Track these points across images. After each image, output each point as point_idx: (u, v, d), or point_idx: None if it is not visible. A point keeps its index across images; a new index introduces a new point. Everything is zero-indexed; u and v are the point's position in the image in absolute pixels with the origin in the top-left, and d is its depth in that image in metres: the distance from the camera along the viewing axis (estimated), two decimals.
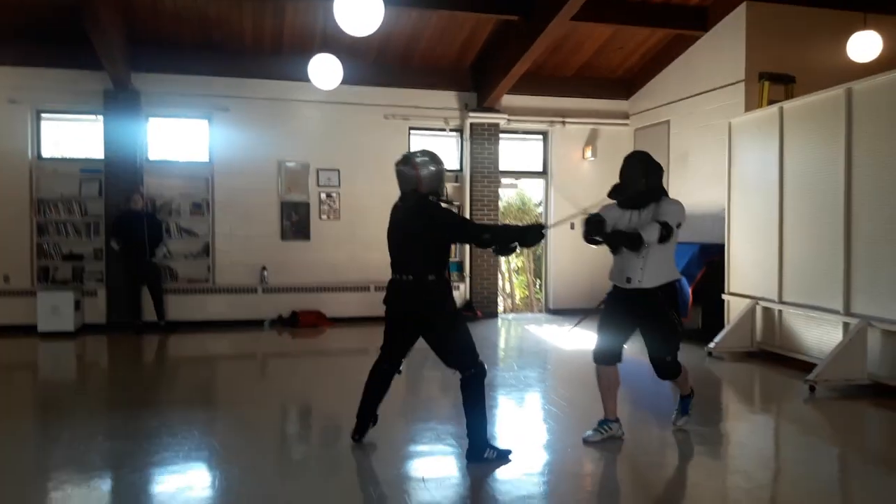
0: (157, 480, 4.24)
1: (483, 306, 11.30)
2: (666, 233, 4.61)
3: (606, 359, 4.92)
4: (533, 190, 12.97)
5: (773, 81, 8.92)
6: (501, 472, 4.27)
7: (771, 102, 8.51)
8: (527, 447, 4.83)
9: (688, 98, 10.31)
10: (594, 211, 4.95)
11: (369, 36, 9.77)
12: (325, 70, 8.54)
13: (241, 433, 5.22)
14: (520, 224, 4.64)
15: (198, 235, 10.49)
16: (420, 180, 4.29)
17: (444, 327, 4.37)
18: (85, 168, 10.05)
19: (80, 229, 10.07)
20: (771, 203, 7.83)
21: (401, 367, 4.68)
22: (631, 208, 4.84)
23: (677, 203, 4.85)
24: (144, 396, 6.51)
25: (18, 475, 4.30)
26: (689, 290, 8.93)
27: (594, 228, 4.72)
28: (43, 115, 10.04)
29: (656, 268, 4.77)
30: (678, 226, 4.71)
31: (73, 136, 10.38)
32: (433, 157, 4.39)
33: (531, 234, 4.44)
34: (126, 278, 9.75)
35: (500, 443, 4.66)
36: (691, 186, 10.10)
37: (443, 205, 4.41)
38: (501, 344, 9.71)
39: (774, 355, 7.86)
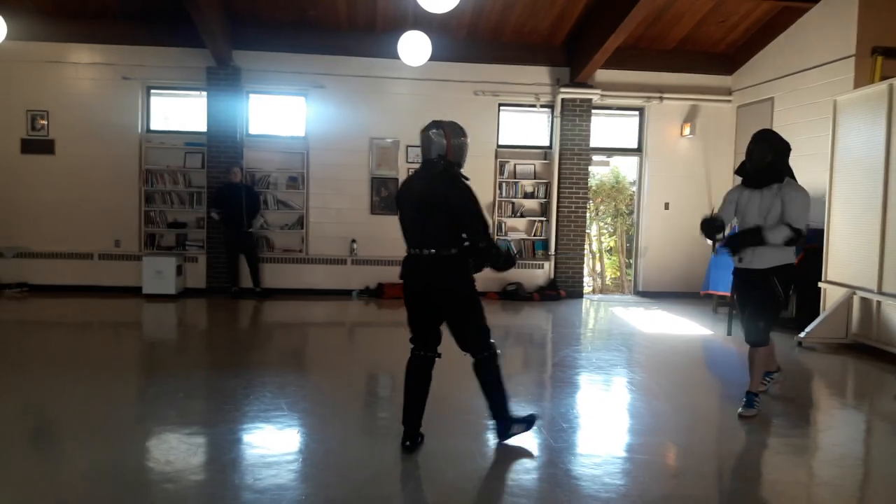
0: (240, 437, 4.51)
1: (567, 286, 11.18)
2: (795, 237, 4.72)
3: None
4: (628, 168, 12.61)
5: (887, 56, 8.23)
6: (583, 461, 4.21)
7: (885, 79, 7.89)
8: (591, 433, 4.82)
9: (794, 74, 9.72)
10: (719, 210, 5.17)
11: (460, 12, 9.90)
12: (414, 47, 8.63)
13: (325, 397, 5.48)
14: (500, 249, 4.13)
15: (293, 208, 10.92)
16: (450, 148, 4.12)
17: (464, 305, 4.16)
18: (189, 141, 10.65)
19: (185, 199, 10.71)
20: (875, 187, 7.31)
21: (439, 352, 4.31)
22: (754, 187, 4.93)
23: (802, 192, 4.83)
24: (238, 358, 6.93)
25: (116, 423, 4.67)
26: None
27: (710, 230, 5.00)
28: (152, 90, 10.70)
29: (769, 249, 4.83)
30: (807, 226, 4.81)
31: (180, 111, 10.99)
32: (462, 130, 4.24)
33: (503, 261, 4.12)
34: (225, 247, 10.33)
35: (527, 411, 4.71)
36: (793, 167, 9.52)
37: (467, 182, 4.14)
38: (579, 325, 9.59)
39: (870, 348, 7.39)
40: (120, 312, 9.36)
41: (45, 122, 10.35)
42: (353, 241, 10.90)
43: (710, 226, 5.03)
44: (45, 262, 10.40)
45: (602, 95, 11.08)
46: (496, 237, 10.96)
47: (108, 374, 6.07)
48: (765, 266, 4.90)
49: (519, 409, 4.75)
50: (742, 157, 5.14)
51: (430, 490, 3.81)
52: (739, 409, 5.08)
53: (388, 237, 10.88)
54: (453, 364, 4.54)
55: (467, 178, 4.14)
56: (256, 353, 7.48)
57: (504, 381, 4.30)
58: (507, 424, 4.33)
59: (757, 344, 5.07)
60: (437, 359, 4.27)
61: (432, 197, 4.05)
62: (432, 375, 4.27)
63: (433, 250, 4.05)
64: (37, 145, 10.34)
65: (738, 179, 5.23)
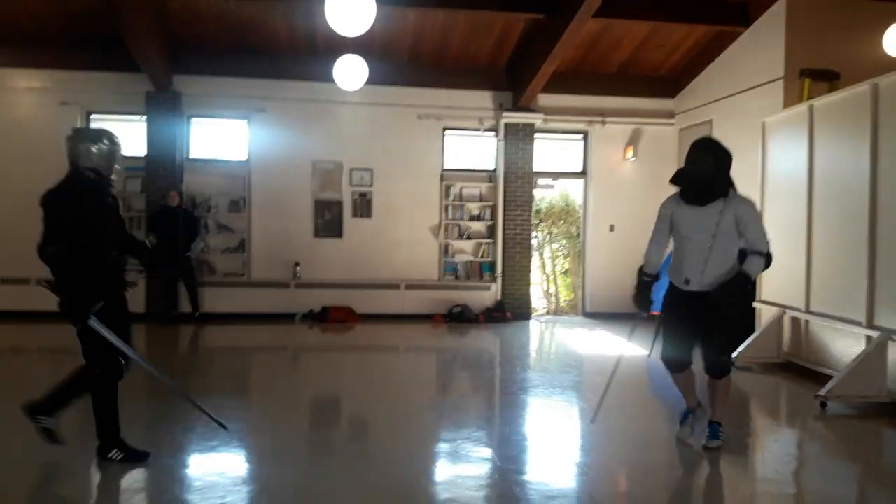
0: (184, 465, 4.44)
1: (514, 307, 11.18)
2: (768, 261, 4.50)
3: (679, 367, 4.72)
4: (573, 190, 12.73)
5: (815, 78, 8.37)
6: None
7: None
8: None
9: (729, 96, 9.89)
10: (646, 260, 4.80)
11: (401, 35, 9.99)
12: (351, 71, 8.65)
13: (268, 422, 5.43)
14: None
15: (235, 231, 10.82)
16: (77, 154, 4.19)
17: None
18: (129, 166, 10.48)
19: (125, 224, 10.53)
20: (800, 207, 7.42)
21: None
22: (696, 203, 4.44)
23: (753, 207, 4.51)
24: (177, 383, 6.77)
25: (52, 455, 4.46)
26: None
27: (645, 300, 4.78)
28: (92, 115, 10.58)
29: (719, 267, 4.42)
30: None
31: (120, 134, 10.82)
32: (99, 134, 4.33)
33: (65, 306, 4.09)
34: (162, 271, 10.16)
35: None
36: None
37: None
38: (520, 346, 9.58)
39: (800, 368, 7.44)
40: (56, 338, 9.13)
41: None
42: (297, 264, 10.81)
43: (645, 294, 4.75)
44: None
45: (545, 119, 11.18)
46: None
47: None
48: (714, 286, 4.41)
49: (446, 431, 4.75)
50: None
51: None
52: (703, 441, 4.69)
53: (332, 260, 10.89)
54: None
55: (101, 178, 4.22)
56: (202, 378, 7.36)
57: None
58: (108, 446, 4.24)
59: (721, 375, 4.62)
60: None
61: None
62: None
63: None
64: None
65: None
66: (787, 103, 8.46)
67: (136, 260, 4.65)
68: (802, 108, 7.53)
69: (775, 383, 7.27)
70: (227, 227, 10.81)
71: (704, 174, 4.37)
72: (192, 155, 10.78)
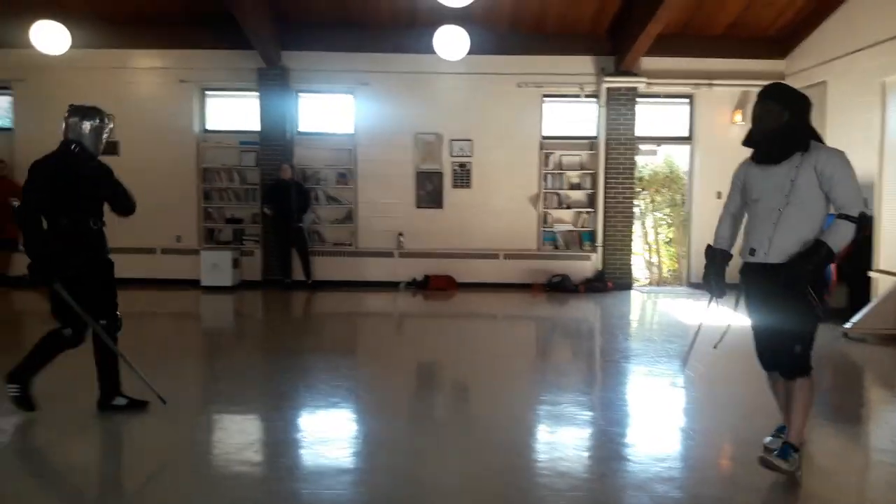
0: (298, 418, 4.78)
1: (615, 277, 11.10)
2: (861, 224, 3.56)
3: (765, 363, 3.89)
4: (679, 156, 12.38)
5: None
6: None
7: None
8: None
9: (846, 55, 9.35)
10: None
11: (500, 4, 10.00)
12: (451, 41, 8.77)
13: (375, 382, 5.74)
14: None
15: (343, 203, 11.24)
16: (67, 128, 4.45)
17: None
18: (243, 140, 11.11)
19: (240, 196, 11.18)
20: None
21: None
22: (766, 162, 3.70)
23: (843, 161, 3.58)
24: (291, 345, 7.28)
25: (182, 406, 4.90)
26: (833, 268, 8.23)
27: (714, 273, 3.99)
28: (207, 92, 11.19)
29: (792, 235, 3.61)
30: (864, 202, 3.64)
31: (234, 111, 11.43)
32: (74, 111, 4.51)
33: (35, 272, 4.24)
34: (277, 241, 10.73)
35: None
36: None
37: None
38: (620, 316, 9.54)
39: None
40: (180, 303, 9.89)
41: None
42: (401, 234, 11.13)
43: (714, 274, 4.00)
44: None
45: (648, 83, 10.93)
46: None
47: (173, 361, 6.46)
48: (783, 258, 3.63)
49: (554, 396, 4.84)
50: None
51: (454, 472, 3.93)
52: (770, 457, 3.70)
53: (434, 230, 11.13)
54: None
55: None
56: (313, 340, 7.83)
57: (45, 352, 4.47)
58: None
59: (793, 373, 3.71)
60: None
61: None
62: None
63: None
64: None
65: None
66: None
67: (120, 213, 4.88)
68: None
69: (892, 355, 6.98)
70: (336, 198, 11.25)
71: (771, 126, 3.66)
72: (302, 129, 11.22)
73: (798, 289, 3.57)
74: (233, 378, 5.75)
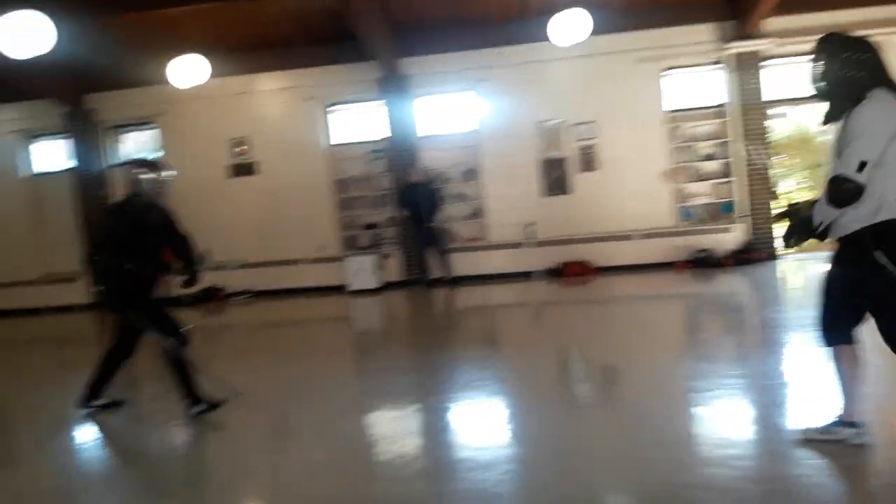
0: (451, 408, 4.90)
1: (764, 247, 10.67)
2: (835, 192, 3.09)
3: (831, 337, 3.48)
4: (812, 118, 11.76)
5: None
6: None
7: None
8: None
9: None
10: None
11: None
12: (568, 26, 8.75)
13: (520, 370, 5.78)
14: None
15: (470, 199, 11.41)
16: (128, 181, 4.95)
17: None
18: (371, 149, 11.49)
19: (374, 202, 11.57)
20: None
21: None
22: (825, 122, 3.38)
23: (863, 112, 3.11)
24: (437, 339, 7.52)
25: (340, 400, 5.25)
26: None
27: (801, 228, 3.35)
28: (332, 106, 11.65)
29: (854, 209, 3.14)
30: (862, 166, 3.03)
31: (361, 122, 11.79)
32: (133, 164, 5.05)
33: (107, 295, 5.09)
34: (415, 242, 11.03)
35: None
36: None
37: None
38: (777, 287, 9.21)
39: None
40: (331, 308, 10.35)
41: (245, 147, 11.62)
42: (531, 224, 11.17)
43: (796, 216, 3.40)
44: (261, 271, 11.63)
45: (775, 44, 10.48)
46: None
47: (337, 357, 6.85)
48: (852, 229, 3.17)
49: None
50: None
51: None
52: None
53: (561, 217, 11.10)
54: None
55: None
56: (459, 334, 8.02)
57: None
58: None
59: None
60: None
61: None
62: None
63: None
64: (241, 169, 11.65)
65: None
66: None
67: (182, 259, 5.13)
68: None
69: None
70: (463, 195, 11.43)
71: (818, 83, 3.31)
72: (426, 132, 11.46)
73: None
74: (387, 373, 5.94)
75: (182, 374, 4.84)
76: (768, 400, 4.47)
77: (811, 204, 3.30)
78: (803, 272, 9.78)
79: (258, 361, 6.93)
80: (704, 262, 10.56)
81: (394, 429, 4.54)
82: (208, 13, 9.97)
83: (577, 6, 8.93)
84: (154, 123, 11.91)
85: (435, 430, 4.49)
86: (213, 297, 11.39)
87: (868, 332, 3.34)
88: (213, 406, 4.85)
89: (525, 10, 10.57)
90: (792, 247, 3.54)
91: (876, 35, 9.74)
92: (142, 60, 10.93)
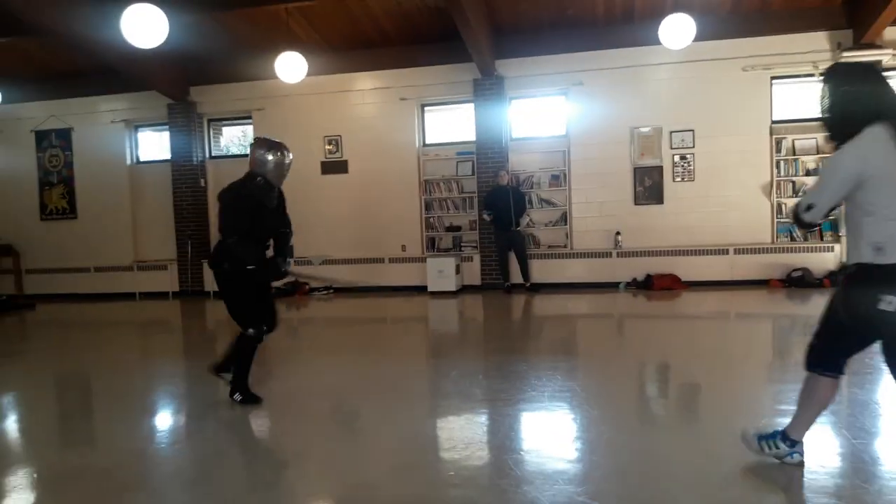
0: (527, 415, 4.76)
1: None
2: (795, 217, 3.18)
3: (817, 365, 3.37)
4: None
5: None
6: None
7: None
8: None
9: None
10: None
11: None
12: (677, 29, 8.50)
13: (601, 382, 5.58)
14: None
15: (556, 205, 11.23)
16: (254, 159, 4.77)
17: (225, 284, 4.82)
18: (460, 151, 11.47)
19: (458, 204, 11.54)
20: None
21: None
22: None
23: (858, 146, 2.93)
24: (514, 345, 7.36)
25: (414, 401, 5.24)
26: None
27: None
28: (426, 107, 11.68)
29: (853, 237, 3.13)
30: (809, 207, 3.08)
31: (450, 123, 11.83)
32: (264, 143, 4.81)
33: (270, 271, 4.78)
34: (496, 245, 10.93)
35: None
36: None
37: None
38: None
39: None
40: (412, 308, 10.37)
41: (338, 145, 11.79)
42: (618, 233, 10.88)
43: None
44: (343, 268, 11.79)
45: (894, 55, 9.85)
46: None
47: (416, 358, 6.83)
48: (853, 262, 3.10)
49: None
50: None
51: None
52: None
53: (654, 227, 10.77)
54: None
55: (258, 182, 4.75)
56: (536, 341, 7.84)
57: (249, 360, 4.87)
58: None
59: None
60: None
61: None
62: None
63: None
64: (333, 166, 11.83)
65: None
66: None
67: (278, 249, 5.03)
68: None
69: None
70: (549, 201, 11.25)
71: (823, 116, 3.16)
72: (515, 135, 11.36)
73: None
74: (464, 376, 5.79)
75: (243, 362, 4.90)
76: (851, 424, 4.16)
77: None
78: None
79: (337, 357, 6.98)
80: (801, 282, 10.04)
81: (461, 434, 4.45)
82: (313, 10, 10.20)
83: (682, 11, 8.65)
84: (251, 118, 12.23)
85: (502, 439, 4.36)
86: (297, 291, 11.63)
87: None
88: (254, 400, 4.92)
89: (630, 14, 10.34)
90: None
91: None
92: (245, 56, 11.31)
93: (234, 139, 13.12)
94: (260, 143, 4.84)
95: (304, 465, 4.01)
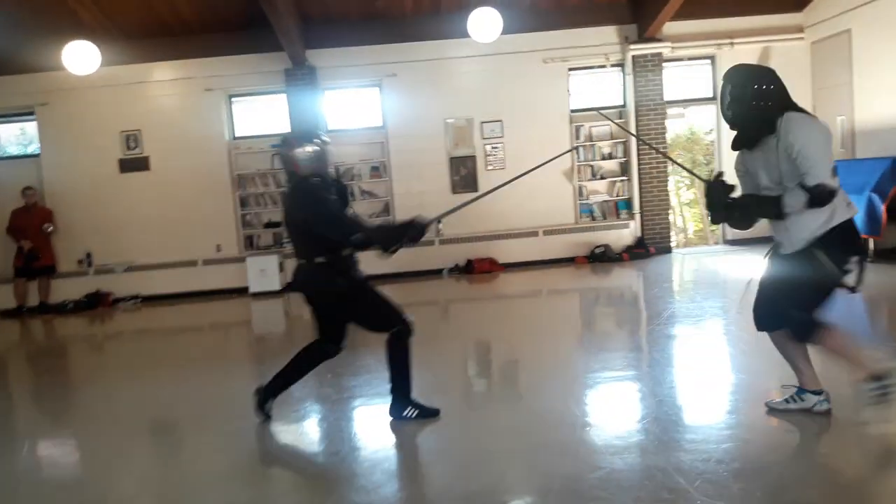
0: (366, 410, 4.85)
1: (655, 242, 11.20)
2: (820, 196, 3.42)
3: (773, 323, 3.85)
4: (702, 118, 12.46)
5: None
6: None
7: None
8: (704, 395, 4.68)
9: (871, 2, 9.44)
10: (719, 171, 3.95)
11: None
12: (484, 23, 8.80)
13: (433, 369, 5.64)
14: (396, 222, 4.72)
15: (378, 196, 11.25)
16: (296, 162, 4.25)
17: (347, 303, 4.33)
18: (274, 143, 11.02)
19: (276, 199, 11.12)
20: None
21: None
22: (745, 147, 3.73)
23: (808, 128, 3.48)
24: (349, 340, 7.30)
25: (240, 409, 4.89)
26: (883, 208, 8.37)
27: (717, 197, 3.67)
28: (234, 98, 11.14)
29: (806, 221, 3.54)
30: (834, 171, 3.47)
31: (263, 115, 11.34)
32: (305, 137, 4.39)
33: (412, 231, 4.21)
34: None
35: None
36: (879, 99, 9.39)
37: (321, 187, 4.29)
38: (671, 279, 9.69)
39: None
40: (233, 312, 9.89)
41: (138, 141, 10.91)
42: (439, 220, 11.11)
43: (719, 188, 3.69)
44: (153, 274, 10.97)
45: (673, 48, 10.98)
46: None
47: (232, 366, 6.56)
48: (804, 245, 3.56)
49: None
50: (824, 92, 3.87)
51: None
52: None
53: (471, 215, 11.06)
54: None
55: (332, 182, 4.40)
56: (367, 335, 7.81)
57: (410, 360, 4.41)
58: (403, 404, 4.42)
59: (802, 340, 3.75)
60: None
61: (288, 215, 4.38)
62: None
63: (304, 260, 4.32)
64: (133, 163, 10.92)
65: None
66: None
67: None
68: None
69: None
70: (371, 192, 11.24)
71: (732, 112, 3.65)
72: (331, 126, 11.17)
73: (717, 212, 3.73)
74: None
75: (295, 373, 4.51)
76: (655, 383, 4.87)
77: (724, 185, 3.66)
78: (692, 264, 10.41)
79: (151, 374, 6.50)
80: (603, 257, 10.96)
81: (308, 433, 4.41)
82: None
83: (488, 3, 9.00)
84: (34, 114, 10.92)
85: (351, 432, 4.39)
86: (100, 303, 10.66)
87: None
88: (266, 417, 4.53)
89: (436, 6, 10.54)
90: (716, 223, 4.26)
91: (770, 42, 10.52)
92: (25, 45, 10.06)
93: (12, 138, 11.67)
94: (288, 141, 4.36)
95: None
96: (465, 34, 9.11)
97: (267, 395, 4.54)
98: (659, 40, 10.87)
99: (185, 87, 10.87)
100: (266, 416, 4.53)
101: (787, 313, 3.65)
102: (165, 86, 10.89)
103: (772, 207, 3.53)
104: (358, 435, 4.45)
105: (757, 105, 3.55)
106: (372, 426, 4.54)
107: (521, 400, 4.86)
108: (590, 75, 11.31)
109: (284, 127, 10.94)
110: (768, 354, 4.16)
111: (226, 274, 10.96)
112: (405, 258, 10.95)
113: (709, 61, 11.34)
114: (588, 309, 8.72)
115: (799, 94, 4.25)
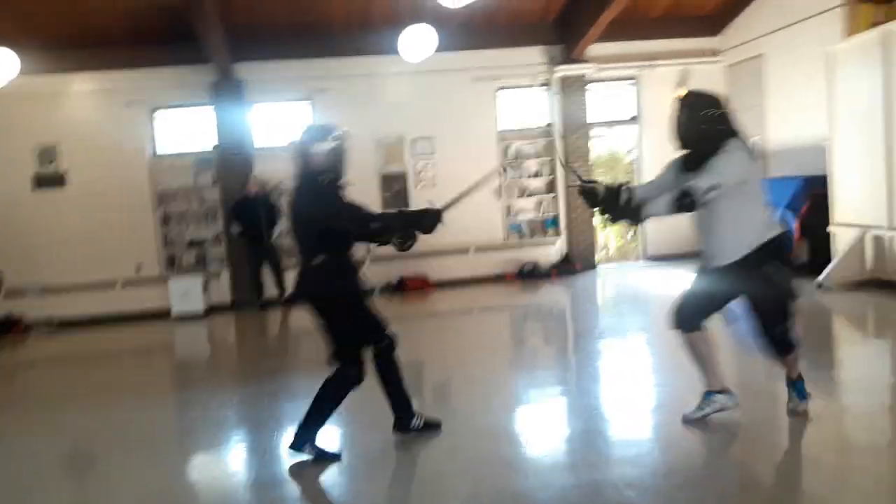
0: (284, 436, 4.61)
1: (582, 259, 11.44)
2: (684, 201, 3.63)
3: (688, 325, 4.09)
4: (624, 138, 12.82)
5: (875, 2, 8.52)
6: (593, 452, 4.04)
7: (875, 25, 8.14)
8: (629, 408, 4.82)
9: (782, 29, 9.98)
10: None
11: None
12: (415, 42, 8.83)
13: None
14: (412, 209, 4.65)
15: None
16: (312, 155, 4.10)
17: (331, 312, 4.13)
18: (198, 159, 10.77)
19: (200, 217, 10.84)
20: (877, 131, 7.62)
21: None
22: (693, 169, 3.85)
23: (731, 155, 3.75)
24: (269, 365, 7.16)
25: (163, 436, 4.92)
26: (795, 226, 8.82)
27: (589, 199, 3.98)
28: (157, 112, 10.79)
29: (734, 237, 3.80)
30: (710, 189, 3.65)
31: (187, 130, 11.00)
32: (321, 130, 4.23)
33: (428, 219, 4.13)
34: (248, 259, 10.42)
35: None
36: (790, 121, 9.91)
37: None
38: (597, 295, 10.01)
39: (888, 283, 7.69)
40: (153, 336, 9.49)
41: (54, 156, 10.42)
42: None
43: (589, 192, 4.01)
44: (69, 296, 10.39)
45: (597, 69, 11.29)
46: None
47: (159, 397, 6.35)
48: (734, 258, 3.82)
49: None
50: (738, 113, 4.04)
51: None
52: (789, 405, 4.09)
53: None
54: None
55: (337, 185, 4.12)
56: (292, 358, 7.92)
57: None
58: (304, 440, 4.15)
59: (780, 356, 4.03)
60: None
61: (296, 211, 4.23)
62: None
63: (305, 262, 4.18)
64: (48, 179, 10.41)
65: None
66: (850, 30, 8.57)
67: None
68: (873, 34, 7.68)
69: (868, 299, 7.60)
70: None
71: (683, 135, 3.92)
72: (260, 142, 10.94)
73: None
74: (208, 405, 5.63)
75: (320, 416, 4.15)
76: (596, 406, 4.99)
77: (613, 188, 3.90)
78: (617, 279, 10.78)
79: (71, 406, 6.16)
80: (532, 274, 11.12)
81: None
82: (20, 2, 8.90)
83: (419, 22, 9.03)
84: None
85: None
86: (12, 329, 10.08)
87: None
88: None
89: (367, 22, 10.49)
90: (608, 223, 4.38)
91: (689, 64, 10.88)
92: None
93: None
94: (311, 134, 4.17)
95: None
96: (394, 51, 9.10)
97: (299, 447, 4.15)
98: (584, 61, 11.17)
99: (106, 98, 10.41)
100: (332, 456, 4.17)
101: (770, 330, 3.91)
102: (85, 98, 10.43)
103: (631, 213, 3.84)
104: (304, 462, 4.30)
105: (707, 129, 3.82)
106: (327, 444, 4.39)
107: (456, 417, 4.83)
108: (519, 95, 11.50)
109: (210, 141, 10.68)
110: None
111: (147, 295, 10.52)
112: None
113: (633, 82, 11.71)
114: (519, 326, 8.84)
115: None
